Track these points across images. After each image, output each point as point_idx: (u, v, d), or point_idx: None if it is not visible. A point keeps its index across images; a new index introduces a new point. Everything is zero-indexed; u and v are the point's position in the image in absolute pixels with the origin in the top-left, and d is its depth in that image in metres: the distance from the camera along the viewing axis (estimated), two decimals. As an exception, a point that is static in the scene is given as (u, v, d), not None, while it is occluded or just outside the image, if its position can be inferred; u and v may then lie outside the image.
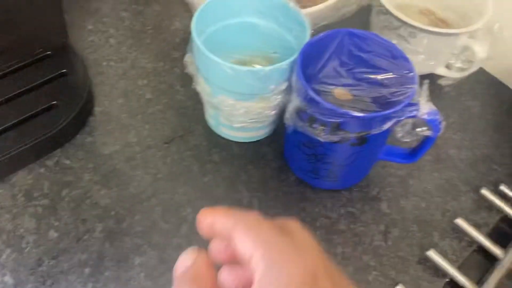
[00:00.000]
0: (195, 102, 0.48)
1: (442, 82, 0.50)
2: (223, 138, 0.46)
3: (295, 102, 0.37)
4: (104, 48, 0.51)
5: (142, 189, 0.42)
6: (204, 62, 0.39)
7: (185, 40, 0.53)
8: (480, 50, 0.45)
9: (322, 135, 0.36)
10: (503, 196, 0.44)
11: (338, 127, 0.35)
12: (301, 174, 0.43)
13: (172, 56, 0.51)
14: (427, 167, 0.46)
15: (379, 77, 0.38)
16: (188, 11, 0.55)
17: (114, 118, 0.46)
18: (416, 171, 0.45)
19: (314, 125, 0.36)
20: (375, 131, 0.36)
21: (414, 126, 0.37)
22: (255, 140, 0.46)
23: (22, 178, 0.42)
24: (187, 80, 0.48)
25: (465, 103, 0.51)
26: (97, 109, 0.47)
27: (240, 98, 0.40)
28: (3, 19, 0.43)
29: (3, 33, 0.44)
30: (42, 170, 0.42)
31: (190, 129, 0.46)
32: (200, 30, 0.39)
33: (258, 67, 0.38)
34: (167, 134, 0.46)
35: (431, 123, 0.36)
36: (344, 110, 0.34)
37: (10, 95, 0.43)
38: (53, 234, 0.39)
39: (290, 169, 0.44)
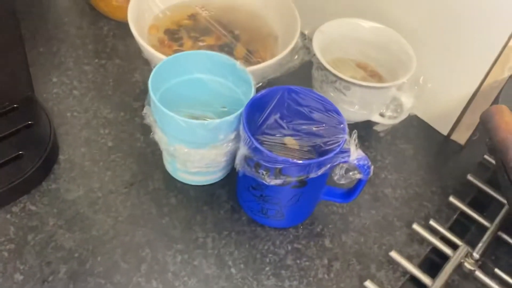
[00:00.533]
0: (154, 149, 0.52)
1: (377, 128, 0.56)
2: (180, 182, 0.50)
3: (243, 150, 0.42)
4: (68, 100, 0.55)
5: (104, 231, 0.45)
6: (160, 115, 0.43)
7: (145, 92, 0.57)
8: (407, 101, 0.52)
9: (266, 179, 0.41)
10: (432, 230, 0.49)
11: (280, 172, 0.40)
12: (252, 214, 0.47)
13: (133, 107, 0.56)
14: (365, 205, 0.51)
15: (314, 128, 0.43)
16: (147, 65, 0.60)
17: (78, 166, 0.50)
18: (355, 209, 0.50)
19: (260, 170, 0.41)
20: (312, 175, 0.41)
21: (347, 170, 0.43)
22: (210, 183, 0.50)
23: (-12, 224, 0.44)
24: (147, 129, 0.52)
25: (399, 146, 0.57)
26: (61, 157, 0.50)
27: (194, 146, 0.44)
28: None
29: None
30: (8, 216, 0.45)
31: (149, 175, 0.50)
32: (156, 87, 0.44)
33: (208, 120, 0.43)
34: (128, 180, 0.49)
35: (360, 168, 0.41)
36: (284, 158, 0.39)
37: (-23, 147, 0.46)
38: (18, 277, 0.41)
39: (242, 209, 0.48)
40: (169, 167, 0.50)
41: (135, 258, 0.44)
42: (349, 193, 0.46)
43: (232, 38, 0.57)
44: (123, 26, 0.64)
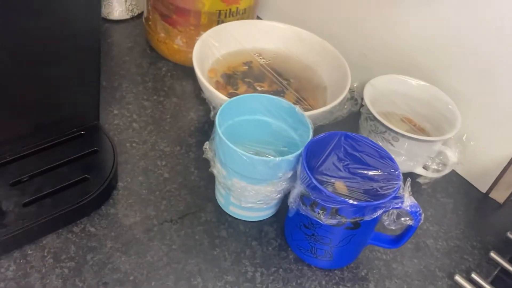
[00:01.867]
0: (207, 183, 0.54)
1: (420, 180, 0.58)
2: (231, 216, 0.52)
3: (299, 188, 0.44)
4: (128, 131, 0.58)
5: (158, 258, 0.47)
6: (223, 149, 0.46)
7: (199, 129, 0.61)
8: (452, 156, 0.54)
9: (322, 218, 0.43)
10: (474, 284, 0.50)
11: (336, 212, 0.42)
12: (300, 253, 0.49)
13: (188, 142, 0.59)
14: (408, 254, 0.52)
15: (370, 173, 0.46)
16: (202, 105, 0.64)
17: (135, 193, 0.52)
18: (399, 257, 0.52)
19: (316, 209, 0.43)
20: (367, 217, 0.42)
21: (399, 216, 0.44)
22: (259, 220, 0.52)
23: (51, 241, 0.46)
24: (201, 163, 0.55)
25: (440, 199, 0.59)
26: (120, 184, 0.52)
27: (252, 182, 0.46)
28: (47, 103, 0.50)
29: (45, 114, 0.50)
30: (69, 235, 0.47)
31: (201, 207, 0.52)
32: (221, 123, 0.47)
33: (269, 157, 0.46)
34: (182, 210, 0.51)
35: (413, 214, 0.43)
36: (343, 198, 0.41)
37: (48, 167, 0.49)
38: (77, 294, 0.43)
39: (290, 248, 0.50)
40: (221, 201, 0.52)
41: (187, 286, 0.45)
42: (397, 239, 0.47)
43: (284, 85, 0.61)
44: (181, 68, 0.69)
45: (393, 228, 0.45)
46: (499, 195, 0.60)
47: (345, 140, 0.47)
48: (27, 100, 0.48)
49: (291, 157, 0.45)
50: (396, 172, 0.44)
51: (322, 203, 0.42)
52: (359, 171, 0.46)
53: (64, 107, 0.51)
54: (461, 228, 0.56)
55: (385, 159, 0.46)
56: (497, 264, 0.53)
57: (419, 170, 0.57)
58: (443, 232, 0.55)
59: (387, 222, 0.44)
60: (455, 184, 0.61)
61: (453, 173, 0.62)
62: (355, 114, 0.59)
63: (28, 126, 0.50)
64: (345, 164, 0.47)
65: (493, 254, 0.53)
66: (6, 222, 0.44)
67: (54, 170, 0.49)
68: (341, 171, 0.47)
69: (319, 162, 0.46)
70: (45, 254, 0.45)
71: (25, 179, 0.48)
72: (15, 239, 0.44)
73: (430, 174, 0.57)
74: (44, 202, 0.47)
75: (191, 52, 0.58)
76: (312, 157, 0.46)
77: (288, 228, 0.50)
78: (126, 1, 0.74)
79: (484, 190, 0.61)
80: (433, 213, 0.57)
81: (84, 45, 0.48)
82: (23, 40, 0.43)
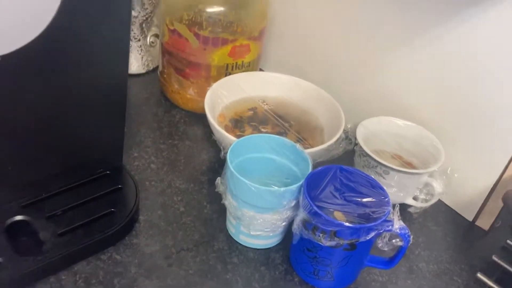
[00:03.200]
0: (219, 216, 0.60)
1: (411, 210, 0.64)
2: (241, 245, 0.57)
3: (302, 215, 0.51)
4: (147, 171, 0.65)
5: (177, 281, 0.52)
6: (234, 182, 0.52)
7: (210, 168, 0.68)
8: (438, 186, 0.60)
9: (323, 240, 0.49)
10: (463, 302, 0.55)
11: (335, 235, 0.48)
12: (303, 275, 0.54)
13: (200, 180, 0.65)
14: (402, 276, 0.57)
15: (363, 200, 0.52)
16: (213, 147, 0.71)
17: (155, 225, 0.58)
18: (394, 279, 0.57)
19: (317, 233, 0.49)
20: (362, 239, 0.48)
21: (390, 238, 0.50)
22: (266, 247, 0.58)
23: (82, 267, 0.52)
24: (212, 198, 0.62)
25: (430, 227, 0.65)
26: (141, 218, 0.59)
27: (259, 211, 0.53)
28: (78, 147, 0.56)
29: (76, 157, 0.57)
30: (98, 262, 0.53)
31: (214, 236, 0.58)
32: (231, 159, 0.54)
33: (274, 188, 0.52)
34: (196, 239, 0.57)
35: (402, 236, 0.49)
36: (339, 222, 0.48)
37: (79, 202, 0.56)
38: (107, 313, 0.48)
39: (295, 272, 0.55)
40: (232, 231, 0.58)
41: (204, 305, 0.51)
42: (391, 260, 0.53)
43: (286, 127, 0.68)
44: (193, 115, 0.76)
45: (386, 249, 0.50)
46: (484, 223, 0.66)
47: (340, 172, 0.53)
48: (62, 145, 0.55)
49: (294, 187, 0.51)
50: (386, 199, 0.51)
51: (322, 226, 0.48)
52: (354, 198, 0.53)
53: (93, 151, 0.58)
54: (450, 253, 0.61)
55: (376, 188, 0.52)
56: (484, 284, 0.58)
57: (409, 201, 0.63)
58: (434, 257, 0.61)
59: (380, 244, 0.50)
60: (444, 213, 0.67)
61: (442, 203, 0.68)
62: (350, 152, 0.66)
63: (62, 167, 0.56)
64: (341, 193, 0.53)
65: (480, 275, 0.58)
66: (44, 250, 0.50)
67: (84, 205, 0.56)
68: (337, 198, 0.53)
69: (318, 192, 0.53)
70: (77, 278, 0.51)
71: (59, 213, 0.54)
72: (51, 265, 0.50)
73: (419, 204, 0.63)
74: (76, 233, 0.53)
75: (202, 101, 0.66)
76: (312, 188, 0.53)
77: (293, 253, 0.56)
78: (142, 58, 0.83)
79: (470, 218, 0.66)
80: (425, 240, 0.63)
81: (112, 97, 0.55)
82: (59, 92, 0.50)
